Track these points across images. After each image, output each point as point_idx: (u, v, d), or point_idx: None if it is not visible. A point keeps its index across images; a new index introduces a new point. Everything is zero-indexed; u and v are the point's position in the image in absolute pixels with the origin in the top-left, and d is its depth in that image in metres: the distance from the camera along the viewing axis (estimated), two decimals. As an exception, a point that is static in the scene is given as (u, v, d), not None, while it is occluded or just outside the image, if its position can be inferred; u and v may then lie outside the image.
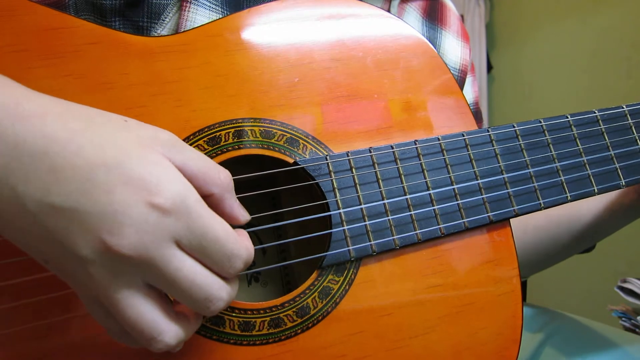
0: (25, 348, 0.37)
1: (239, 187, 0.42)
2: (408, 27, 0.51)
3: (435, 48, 0.52)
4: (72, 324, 0.38)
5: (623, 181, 0.51)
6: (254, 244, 0.52)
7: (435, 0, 0.66)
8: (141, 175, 0.29)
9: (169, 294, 0.32)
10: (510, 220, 0.48)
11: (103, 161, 0.29)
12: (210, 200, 0.34)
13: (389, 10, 0.61)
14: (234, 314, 0.40)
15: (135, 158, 0.30)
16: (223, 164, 0.43)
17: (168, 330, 0.31)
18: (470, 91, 0.70)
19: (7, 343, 0.36)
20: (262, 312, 0.41)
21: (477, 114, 0.71)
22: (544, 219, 0.66)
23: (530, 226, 0.66)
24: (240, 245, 0.33)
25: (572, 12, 2.14)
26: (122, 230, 0.29)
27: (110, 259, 0.29)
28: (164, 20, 0.50)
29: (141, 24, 0.50)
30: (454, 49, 0.66)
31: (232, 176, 0.36)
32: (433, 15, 0.66)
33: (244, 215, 0.36)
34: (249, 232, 0.36)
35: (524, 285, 0.89)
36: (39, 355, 0.37)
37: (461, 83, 0.67)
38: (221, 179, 0.34)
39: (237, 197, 0.37)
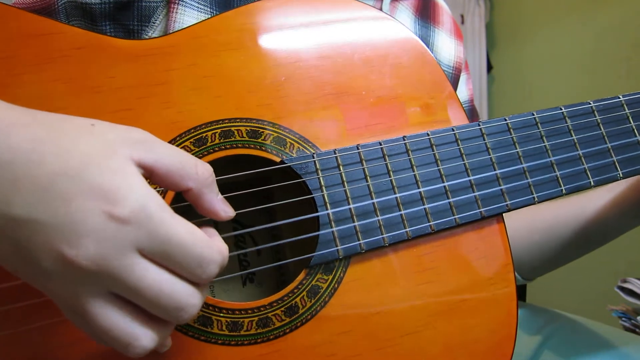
0: (13, 352, 0.36)
1: (229, 187, 0.41)
2: (397, 24, 0.51)
3: (428, 46, 0.52)
4: (59, 327, 0.37)
5: (620, 172, 0.50)
6: (249, 246, 0.53)
7: None
8: (100, 185, 0.29)
9: (138, 304, 0.31)
10: (518, 220, 0.47)
11: (63, 170, 0.29)
12: (189, 195, 0.34)
13: (380, 9, 0.61)
14: (221, 314, 0.40)
15: (95, 166, 0.29)
16: (210, 164, 0.43)
17: (143, 335, 0.31)
18: (464, 89, 0.69)
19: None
20: (250, 312, 0.41)
21: (472, 112, 0.70)
22: (551, 219, 0.64)
23: (538, 226, 0.65)
24: (212, 250, 0.32)
25: (572, 12, 2.13)
26: (80, 242, 0.28)
27: (71, 271, 0.29)
28: (154, 23, 0.50)
29: (132, 28, 0.50)
30: (447, 47, 0.66)
31: (220, 176, 0.35)
32: (425, 13, 0.66)
33: (225, 211, 0.35)
34: (243, 235, 0.35)
35: (523, 286, 0.88)
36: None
37: (455, 80, 0.67)
38: (198, 173, 0.33)
39: (227, 198, 0.36)
